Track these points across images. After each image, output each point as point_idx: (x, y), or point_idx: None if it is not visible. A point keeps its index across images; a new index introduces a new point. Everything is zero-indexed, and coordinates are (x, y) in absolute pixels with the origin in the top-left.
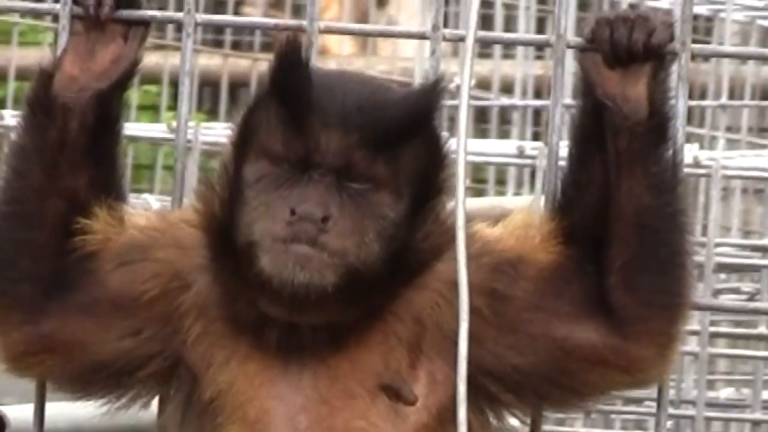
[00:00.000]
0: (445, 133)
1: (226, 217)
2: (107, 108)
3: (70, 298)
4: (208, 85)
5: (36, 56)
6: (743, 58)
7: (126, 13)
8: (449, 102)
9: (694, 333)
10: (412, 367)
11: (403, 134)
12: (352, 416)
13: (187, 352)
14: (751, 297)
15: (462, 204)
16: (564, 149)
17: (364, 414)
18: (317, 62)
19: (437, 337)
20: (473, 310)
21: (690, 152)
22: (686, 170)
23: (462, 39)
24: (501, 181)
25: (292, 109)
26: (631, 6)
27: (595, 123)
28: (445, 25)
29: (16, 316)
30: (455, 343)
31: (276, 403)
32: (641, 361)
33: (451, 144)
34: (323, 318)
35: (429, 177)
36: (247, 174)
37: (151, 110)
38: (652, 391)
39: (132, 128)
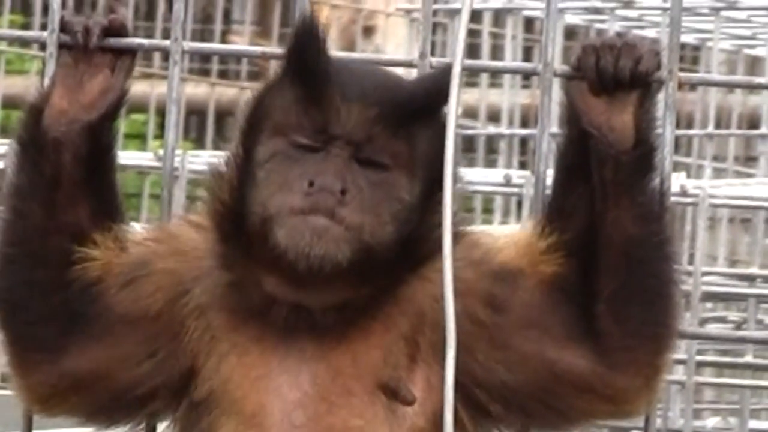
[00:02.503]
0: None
1: (235, 200)
2: (99, 138)
3: (83, 331)
4: (194, 113)
5: (23, 84)
6: (730, 86)
7: (113, 41)
8: None
9: (681, 362)
10: (410, 366)
11: (420, 112)
12: (350, 414)
13: (191, 353)
14: (738, 326)
15: (449, 234)
16: (550, 178)
17: (362, 413)
18: None
19: (435, 338)
20: (470, 316)
21: (677, 181)
22: (673, 199)
23: (449, 68)
24: (488, 210)
25: (310, 84)
26: (618, 34)
27: (580, 152)
28: (432, 54)
29: (36, 357)
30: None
31: (273, 398)
32: (626, 392)
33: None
34: (331, 298)
35: (441, 164)
36: (259, 154)
37: (137, 139)
38: (639, 420)
39: (119, 157)
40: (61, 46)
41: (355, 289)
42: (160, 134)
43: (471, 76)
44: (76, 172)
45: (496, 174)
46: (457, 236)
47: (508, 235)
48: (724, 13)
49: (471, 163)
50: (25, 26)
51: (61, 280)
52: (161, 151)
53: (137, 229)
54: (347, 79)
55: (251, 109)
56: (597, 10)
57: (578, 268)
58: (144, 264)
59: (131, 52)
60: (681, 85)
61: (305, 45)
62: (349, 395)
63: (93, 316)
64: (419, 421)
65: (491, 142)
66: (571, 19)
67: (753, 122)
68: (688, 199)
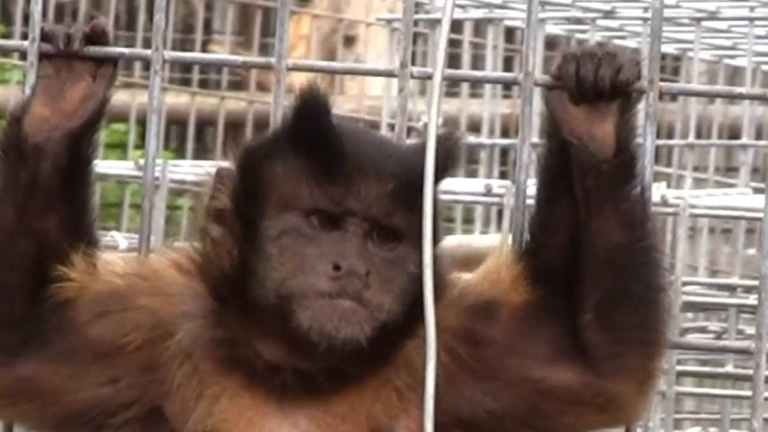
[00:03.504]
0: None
1: (236, 269)
2: (79, 148)
3: (46, 345)
4: (175, 123)
5: (3, 94)
6: (711, 96)
7: (94, 50)
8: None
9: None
10: (401, 412)
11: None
12: None
13: (169, 398)
14: (719, 336)
15: (429, 245)
16: (532, 188)
17: None
18: (285, 101)
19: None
20: (450, 353)
21: (657, 191)
22: (653, 209)
23: (429, 77)
24: (468, 220)
25: (321, 157)
26: (599, 44)
27: (561, 163)
28: (413, 64)
29: None
30: (438, 397)
31: None
32: (619, 398)
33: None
34: (333, 365)
35: (436, 225)
36: (268, 229)
37: (118, 148)
38: (619, 430)
39: (99, 166)
40: (42, 56)
41: (358, 357)
42: (141, 144)
43: (451, 86)
44: (53, 181)
45: (477, 184)
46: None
47: (480, 268)
48: (704, 23)
49: None
50: (6, 35)
51: (27, 287)
52: (142, 161)
53: (116, 238)
54: (359, 150)
55: (249, 175)
56: (578, 20)
57: (560, 283)
58: (123, 298)
59: (112, 61)
60: (662, 95)
61: (311, 115)
62: None
63: (59, 333)
64: None
65: (472, 152)
66: (552, 29)
67: (733, 132)
68: (669, 209)
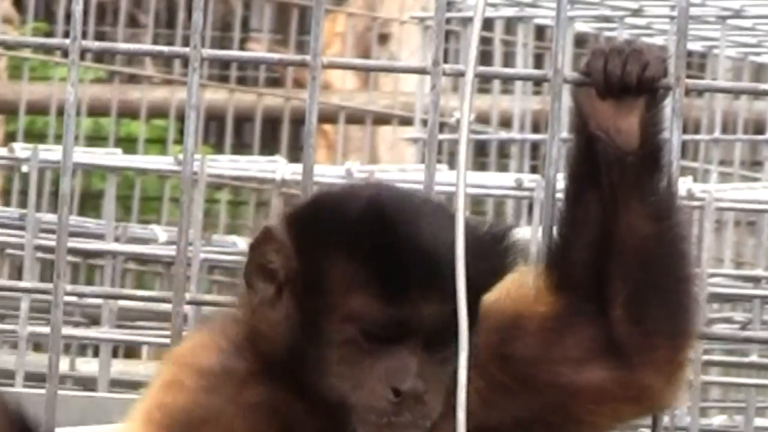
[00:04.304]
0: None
1: (289, 354)
2: None
3: None
4: (213, 119)
5: (46, 90)
6: (736, 92)
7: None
8: (449, 136)
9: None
10: None
11: (479, 291)
12: None
13: None
14: (743, 326)
15: (461, 239)
16: (561, 182)
17: None
18: (321, 98)
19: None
20: (481, 372)
21: (684, 185)
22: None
23: (462, 74)
24: (499, 213)
25: (386, 278)
26: (627, 41)
27: (589, 158)
28: (446, 61)
29: None
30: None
31: None
32: (650, 390)
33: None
34: None
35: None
36: (329, 333)
37: (159, 143)
38: (648, 419)
39: (140, 161)
40: (83, 53)
41: None
42: (180, 139)
43: (483, 83)
44: None
45: (508, 178)
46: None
47: (501, 285)
48: (730, 21)
49: (483, 167)
50: (49, 34)
51: None
52: (181, 156)
53: (156, 231)
54: (424, 267)
55: (308, 260)
56: (606, 19)
57: (588, 286)
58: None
59: None
60: (688, 92)
61: (376, 232)
62: None
63: None
64: None
65: (503, 146)
66: (581, 27)
67: (758, 127)
68: (695, 203)
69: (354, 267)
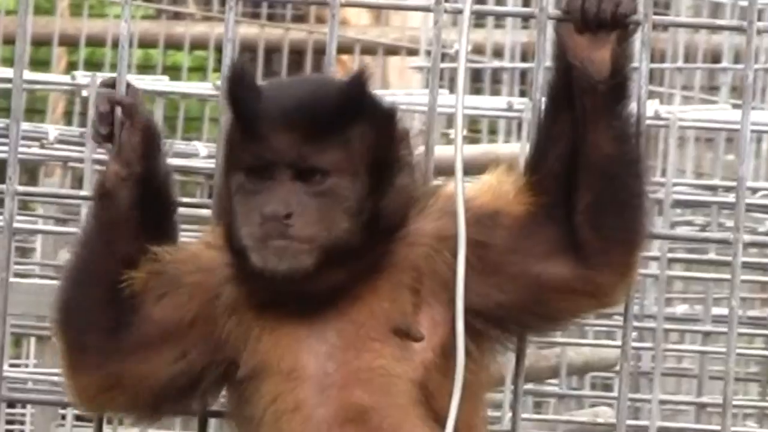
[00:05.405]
0: (398, 110)
1: (228, 228)
2: (150, 186)
3: (127, 339)
4: (246, 50)
5: (102, 26)
6: (696, 27)
7: None
8: (449, 65)
9: (655, 258)
10: (416, 310)
11: (337, 123)
12: (372, 357)
13: (230, 344)
14: (703, 228)
15: (460, 152)
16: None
17: (381, 353)
18: (339, 32)
19: (434, 284)
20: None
21: (651, 107)
22: (648, 122)
23: (460, 11)
24: (493, 132)
25: (244, 120)
26: None
27: (566, 83)
28: (446, 0)
29: (86, 361)
30: (449, 289)
31: (306, 355)
32: (605, 287)
33: (450, 101)
34: (328, 283)
35: (382, 152)
36: (231, 189)
37: (200, 71)
38: (620, 307)
39: (184, 86)
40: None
41: (345, 270)
42: (218, 68)
43: (479, 19)
44: (131, 216)
45: (500, 101)
46: (427, 193)
47: (481, 181)
48: None
49: (479, 92)
50: None
51: (110, 296)
52: (219, 82)
53: (197, 146)
54: (273, 108)
55: (224, 147)
56: None
57: (560, 194)
58: (175, 279)
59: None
60: (655, 26)
61: (236, 85)
62: (370, 341)
63: (134, 326)
64: (428, 355)
65: (496, 74)
66: None
67: (715, 57)
68: (661, 122)
69: (234, 123)
